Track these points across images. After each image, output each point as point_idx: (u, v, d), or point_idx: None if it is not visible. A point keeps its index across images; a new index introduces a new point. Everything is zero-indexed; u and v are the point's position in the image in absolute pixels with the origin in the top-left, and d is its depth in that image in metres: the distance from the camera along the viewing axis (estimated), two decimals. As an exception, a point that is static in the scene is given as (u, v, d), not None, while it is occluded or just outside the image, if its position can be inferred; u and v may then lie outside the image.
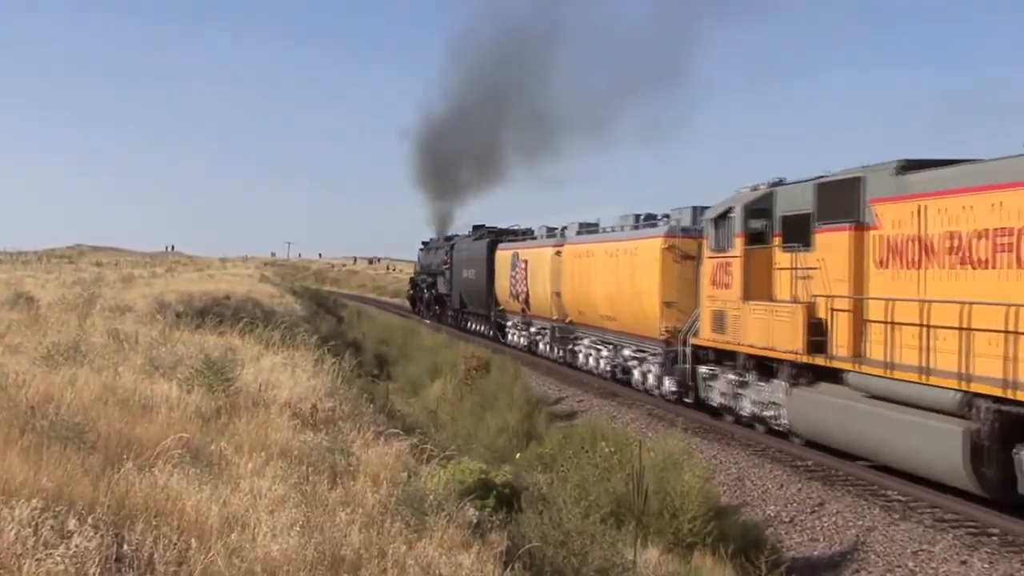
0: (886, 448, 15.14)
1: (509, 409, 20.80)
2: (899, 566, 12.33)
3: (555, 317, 32.87)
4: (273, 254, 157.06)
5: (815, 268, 17.02)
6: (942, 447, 13.48)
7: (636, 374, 26.19)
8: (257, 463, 7.71)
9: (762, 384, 18.93)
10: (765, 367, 18.79)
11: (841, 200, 16.44)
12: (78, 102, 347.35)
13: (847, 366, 15.95)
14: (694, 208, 23.54)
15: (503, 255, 39.82)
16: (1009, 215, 12.78)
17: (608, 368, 28.36)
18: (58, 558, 5.07)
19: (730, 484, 16.53)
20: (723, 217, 20.18)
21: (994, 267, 13.06)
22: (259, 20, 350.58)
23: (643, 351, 25.59)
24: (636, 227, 26.77)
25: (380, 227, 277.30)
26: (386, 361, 31.83)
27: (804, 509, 14.87)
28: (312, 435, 9.09)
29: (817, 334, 16.62)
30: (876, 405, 15.13)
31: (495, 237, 43.35)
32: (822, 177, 17.46)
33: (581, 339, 31.03)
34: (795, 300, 17.57)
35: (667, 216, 25.65)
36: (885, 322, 15.09)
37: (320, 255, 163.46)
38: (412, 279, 63.80)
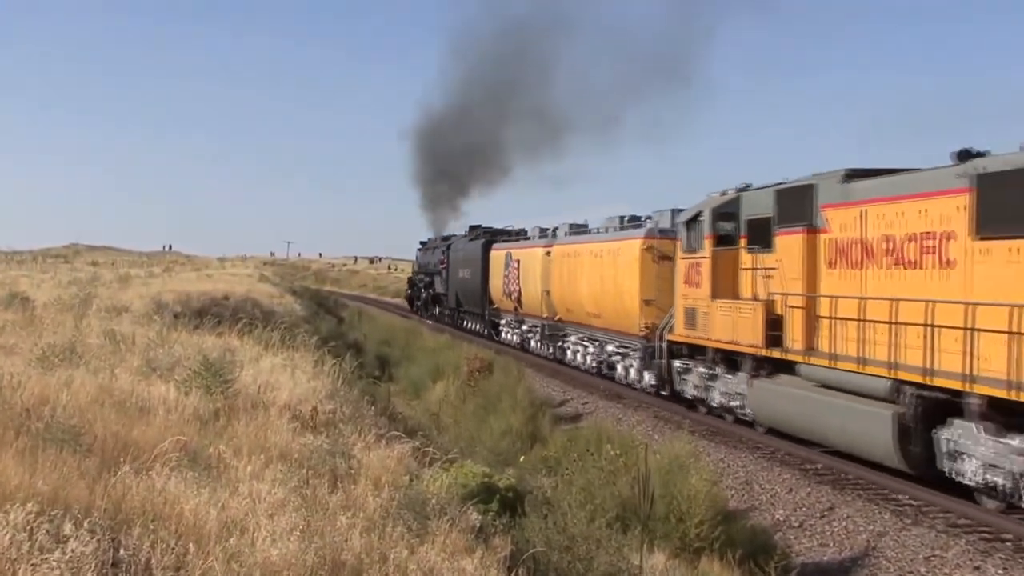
0: (832, 432, 16.77)
1: (512, 411, 20.79)
2: (911, 572, 12.31)
3: (545, 315, 34.34)
4: (272, 254, 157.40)
5: (774, 268, 18.66)
6: (876, 429, 15.17)
7: (619, 369, 27.72)
8: (256, 466, 7.70)
9: (729, 376, 20.59)
10: (732, 360, 20.42)
11: (796, 205, 18.05)
12: (74, 100, 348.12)
13: (799, 358, 17.59)
14: (672, 210, 24.79)
15: (497, 255, 41.20)
16: (932, 221, 14.51)
17: (594, 364, 29.94)
18: (54, 563, 5.06)
19: (738, 488, 16.51)
20: (694, 220, 21.85)
21: (921, 268, 14.80)
22: (259, 19, 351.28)
23: (625, 347, 27.21)
24: (621, 228, 28.27)
25: (381, 226, 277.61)
26: (387, 362, 31.83)
27: (814, 513, 14.85)
28: (312, 438, 9.09)
29: (775, 329, 18.23)
30: (824, 393, 16.82)
31: (490, 237, 44.69)
32: (781, 184, 19.05)
33: (569, 336, 32.59)
34: (756, 298, 19.26)
35: (649, 218, 26.96)
36: (831, 318, 16.73)
37: (320, 255, 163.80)
38: (410, 279, 65.47)
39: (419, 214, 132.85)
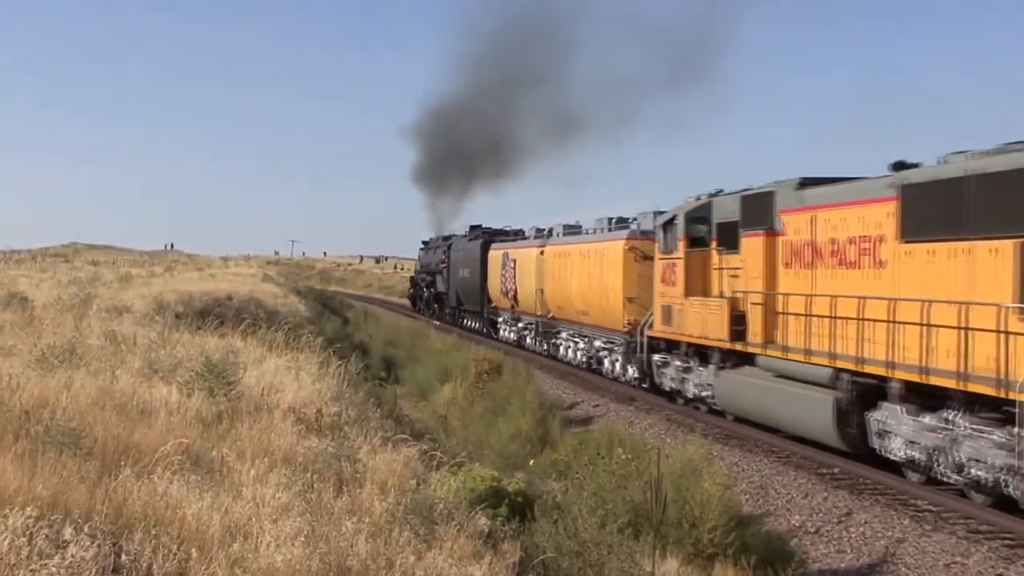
0: (785, 417, 18.94)
1: (522, 414, 20.80)
2: (930, 579, 12.28)
3: (539, 313, 36.41)
4: (276, 253, 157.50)
5: (740, 268, 20.68)
6: (818, 413, 17.31)
7: (606, 363, 29.81)
8: (260, 470, 7.72)
9: (701, 369, 22.60)
10: (703, 354, 22.47)
11: (759, 210, 20.07)
12: (74, 97, 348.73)
13: (758, 351, 19.62)
14: (655, 213, 26.40)
15: (495, 255, 43.29)
16: (869, 225, 16.52)
17: (584, 359, 32.04)
18: (53, 568, 5.08)
19: (753, 492, 16.49)
20: (670, 223, 23.86)
21: (859, 268, 16.81)
22: (260, 16, 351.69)
23: (611, 342, 29.34)
24: (609, 230, 30.35)
25: (387, 225, 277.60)
26: (394, 364, 31.87)
27: (831, 519, 14.81)
28: (317, 441, 9.11)
29: (739, 324, 20.25)
30: (778, 382, 18.94)
31: (488, 237, 46.71)
32: (747, 190, 21.12)
33: (561, 333, 34.66)
34: (723, 295, 21.30)
35: (635, 220, 28.95)
36: (784, 313, 18.89)
37: (325, 254, 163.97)
38: (412, 278, 67.88)
39: (424, 213, 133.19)
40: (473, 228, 51.53)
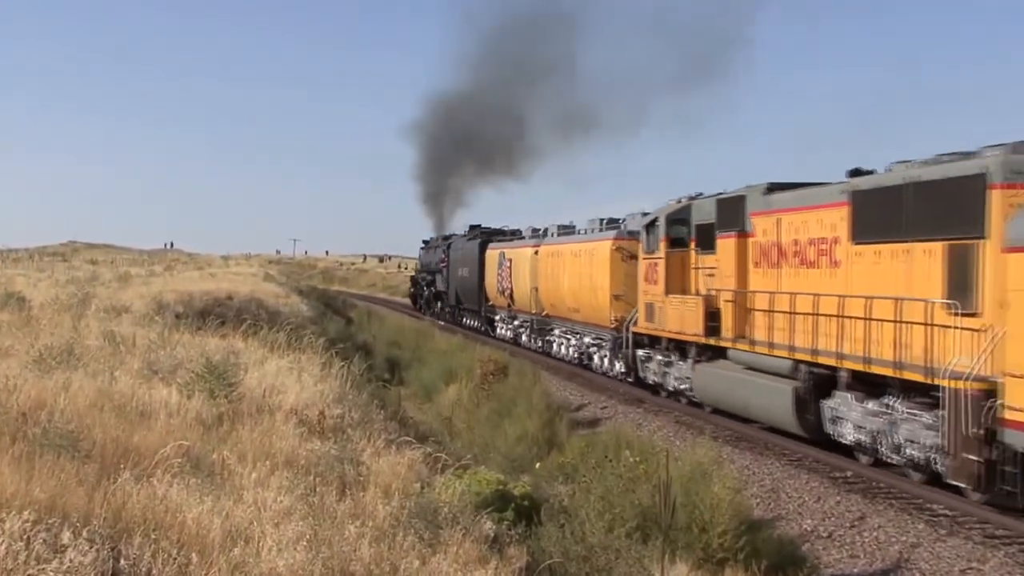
0: (753, 406, 20.65)
1: (528, 416, 20.79)
2: (946, 584, 12.27)
3: (534, 311, 38.08)
4: (278, 252, 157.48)
5: (715, 267, 22.37)
6: (780, 401, 19.05)
7: (596, 359, 31.51)
8: (261, 473, 7.73)
9: (681, 363, 24.34)
10: (682, 349, 24.22)
11: (732, 213, 21.76)
12: (73, 94, 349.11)
13: (729, 344, 21.41)
14: (642, 214, 27.84)
15: (492, 254, 44.78)
16: (826, 228, 18.18)
17: (575, 355, 33.66)
18: (51, 573, 5.09)
19: (764, 496, 16.47)
20: (652, 225, 25.58)
21: (818, 267, 18.47)
22: (262, 13, 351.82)
23: (600, 339, 31.06)
24: (601, 230, 31.84)
25: (391, 224, 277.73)
26: (398, 365, 31.87)
27: (843, 523, 14.80)
28: (319, 443, 9.12)
29: (714, 320, 21.94)
30: (747, 374, 20.69)
31: (486, 237, 48.07)
32: (722, 194, 22.82)
33: (554, 330, 36.45)
34: (698, 293, 23.15)
35: (624, 220, 30.54)
36: (752, 309, 20.68)
37: (327, 253, 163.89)
38: (413, 277, 69.66)
39: (424, 212, 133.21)
40: (472, 228, 52.75)
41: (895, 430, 16.07)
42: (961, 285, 14.51)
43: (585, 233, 33.47)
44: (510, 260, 41.34)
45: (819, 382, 18.22)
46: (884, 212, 16.48)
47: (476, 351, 31.43)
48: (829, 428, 18.13)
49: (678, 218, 24.45)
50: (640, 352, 26.84)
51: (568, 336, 34.75)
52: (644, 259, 26.21)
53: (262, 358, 14.78)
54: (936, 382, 14.48)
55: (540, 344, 37.87)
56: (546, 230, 38.27)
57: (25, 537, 5.31)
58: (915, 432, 15.51)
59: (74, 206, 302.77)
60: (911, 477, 16.16)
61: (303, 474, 7.92)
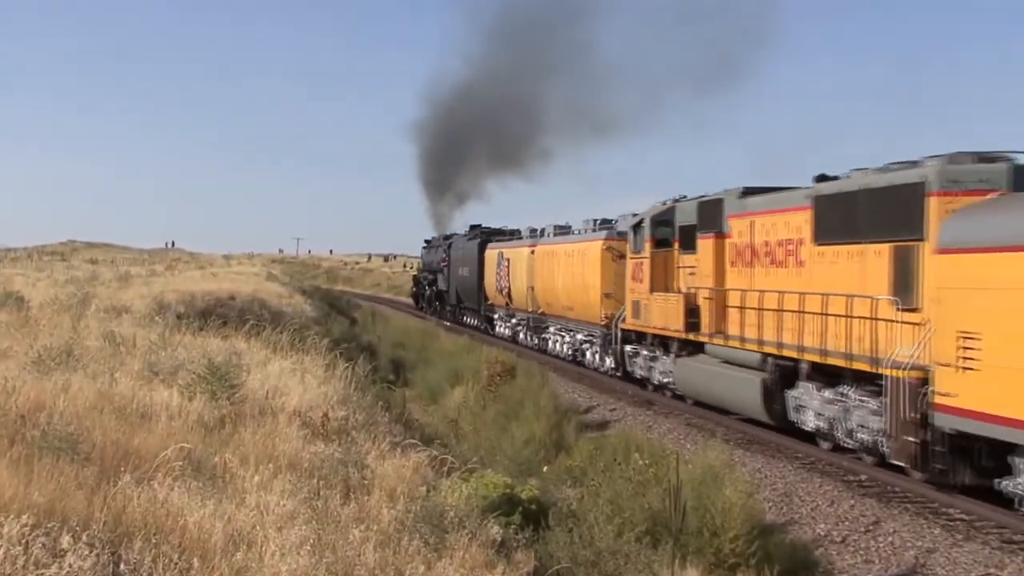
0: (727, 398, 22.29)
1: (536, 418, 20.75)
2: (962, 590, 12.24)
3: (530, 309, 39.64)
4: (281, 251, 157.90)
5: (696, 267, 23.88)
6: (750, 391, 20.72)
7: (588, 355, 33.05)
8: (264, 476, 7.73)
9: (664, 357, 25.99)
10: (666, 344, 25.89)
11: (711, 215, 23.34)
12: (73, 92, 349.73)
13: (706, 339, 22.98)
14: (633, 215, 29.03)
15: (491, 254, 46.36)
16: (792, 230, 19.71)
17: (570, 352, 35.15)
18: (50, 578, 5.09)
19: (776, 500, 16.44)
20: (639, 226, 27.18)
21: (785, 267, 20.01)
22: (264, 8, 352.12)
23: (592, 335, 32.67)
24: (594, 230, 33.36)
25: (395, 223, 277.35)
26: (403, 366, 31.87)
27: (858, 528, 14.77)
28: (323, 446, 9.12)
29: (694, 317, 23.51)
30: (722, 367, 22.28)
31: (486, 237, 49.49)
32: (703, 197, 24.33)
33: (550, 328, 37.94)
34: (680, 291, 24.69)
35: (617, 221, 31.99)
36: (728, 306, 22.28)
37: (331, 252, 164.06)
38: (415, 277, 71.03)
39: (426, 211, 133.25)
40: (473, 228, 54.06)
41: (848, 416, 17.58)
42: (904, 283, 16.09)
43: (579, 233, 34.98)
44: (508, 260, 42.89)
45: (784, 373, 19.77)
46: (842, 216, 18.00)
47: (483, 352, 31.42)
48: (793, 416, 19.69)
49: (662, 219, 26.00)
50: (628, 348, 28.46)
51: (562, 333, 36.23)
52: (631, 259, 27.88)
53: (265, 359, 14.80)
54: (880, 371, 16.14)
55: (536, 342, 39.34)
56: (543, 230, 39.75)
57: (24, 541, 5.32)
58: (864, 418, 17.07)
59: (73, 205, 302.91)
60: (865, 460, 17.64)
61: (306, 477, 7.92)
